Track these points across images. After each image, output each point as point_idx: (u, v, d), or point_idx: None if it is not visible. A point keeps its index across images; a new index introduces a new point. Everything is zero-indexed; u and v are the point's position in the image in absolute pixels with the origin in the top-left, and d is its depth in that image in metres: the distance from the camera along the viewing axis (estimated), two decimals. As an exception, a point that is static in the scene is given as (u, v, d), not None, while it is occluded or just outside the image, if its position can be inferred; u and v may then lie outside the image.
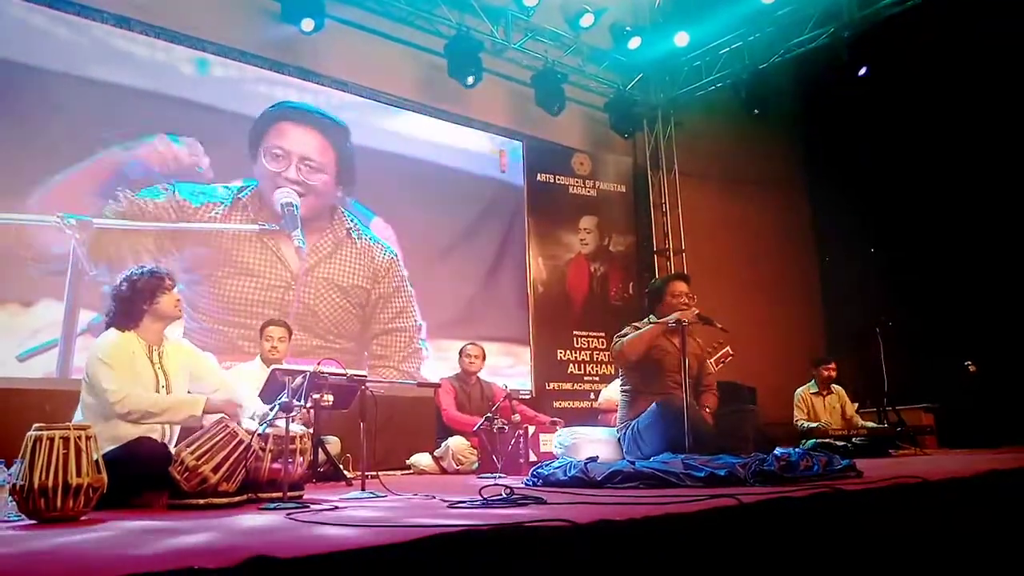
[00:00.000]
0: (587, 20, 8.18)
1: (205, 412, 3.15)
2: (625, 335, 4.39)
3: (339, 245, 6.79)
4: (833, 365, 7.00)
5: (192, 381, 3.42)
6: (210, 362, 3.55)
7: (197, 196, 6.11)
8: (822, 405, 6.92)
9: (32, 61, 5.52)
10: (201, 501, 2.78)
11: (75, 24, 5.73)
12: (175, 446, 3.11)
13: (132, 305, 3.29)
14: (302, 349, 6.22)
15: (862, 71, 7.72)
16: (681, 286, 4.47)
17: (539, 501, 2.43)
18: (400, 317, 7.11)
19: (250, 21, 6.64)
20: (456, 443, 5.65)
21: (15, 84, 5.42)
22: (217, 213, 6.21)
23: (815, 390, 6.97)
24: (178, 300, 3.39)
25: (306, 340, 6.36)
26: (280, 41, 6.68)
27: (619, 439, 4.46)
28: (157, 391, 3.24)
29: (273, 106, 6.66)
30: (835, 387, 7.03)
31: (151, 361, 3.28)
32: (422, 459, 5.86)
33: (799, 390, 7.00)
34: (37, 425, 2.48)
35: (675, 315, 4.20)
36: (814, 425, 6.68)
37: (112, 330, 3.28)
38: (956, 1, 7.20)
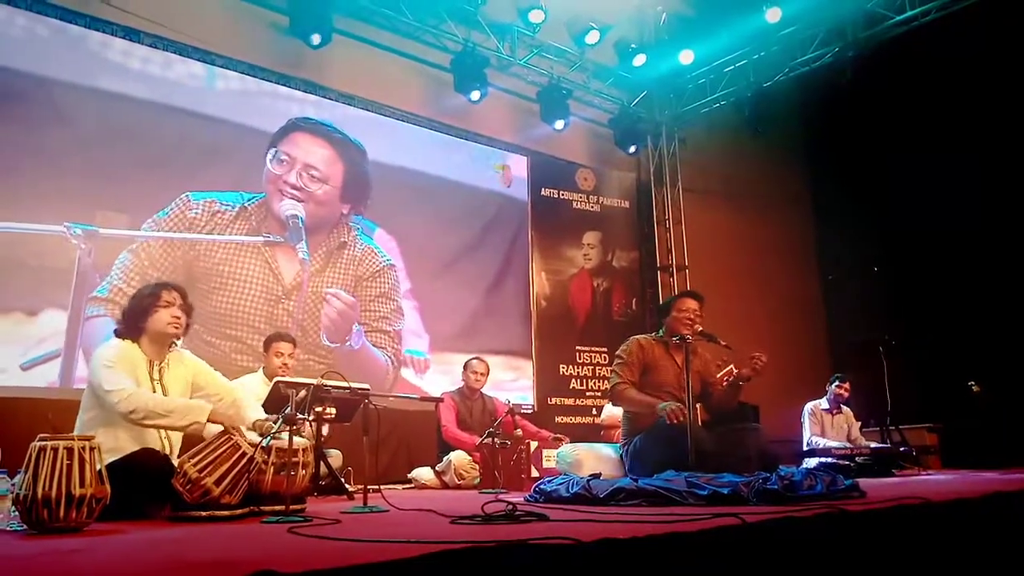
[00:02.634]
0: (592, 37, 8.24)
1: (210, 421, 3.14)
2: (622, 361, 4.37)
3: (329, 257, 6.78)
4: (848, 385, 6.97)
5: (194, 391, 3.42)
6: (211, 371, 3.54)
7: (206, 202, 6.16)
8: (831, 423, 6.90)
9: (41, 71, 5.56)
10: (203, 513, 2.78)
11: (84, 35, 5.78)
12: (177, 458, 3.11)
13: (132, 321, 3.32)
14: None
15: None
16: (690, 303, 4.47)
17: (542, 518, 2.42)
18: (385, 321, 7.09)
19: (258, 34, 6.69)
20: (458, 458, 5.64)
21: (23, 94, 5.46)
22: (223, 220, 6.23)
23: (826, 407, 6.94)
24: (175, 318, 3.31)
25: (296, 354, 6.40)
26: (288, 54, 6.73)
27: (622, 456, 4.45)
28: None
29: (294, 119, 6.75)
30: (844, 407, 7.01)
31: (151, 376, 3.28)
32: (424, 473, 5.84)
33: (810, 404, 6.96)
34: (41, 435, 2.48)
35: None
36: (834, 445, 6.61)
37: (114, 339, 3.30)
38: (960, 20, 7.23)
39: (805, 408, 6.95)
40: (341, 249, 6.87)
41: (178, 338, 3.40)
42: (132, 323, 3.31)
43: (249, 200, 6.39)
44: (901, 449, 6.76)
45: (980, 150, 8.34)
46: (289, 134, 6.69)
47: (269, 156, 6.56)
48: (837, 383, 6.96)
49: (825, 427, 6.86)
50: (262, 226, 6.42)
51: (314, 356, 6.54)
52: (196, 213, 6.11)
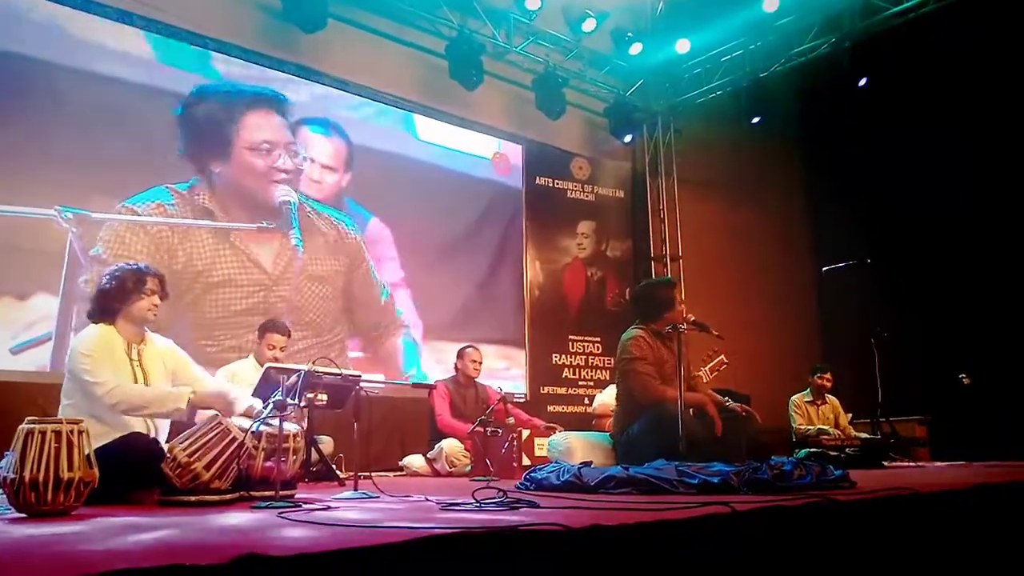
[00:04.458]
0: (589, 25, 8.19)
1: (193, 406, 3.13)
2: (640, 358, 4.25)
3: (310, 234, 6.68)
4: (829, 375, 7.00)
5: (173, 380, 3.41)
6: (189, 361, 3.52)
7: (155, 204, 5.92)
8: (816, 414, 6.93)
9: (34, 54, 5.50)
10: (193, 498, 2.77)
11: (78, 18, 5.72)
12: (166, 442, 3.10)
13: (108, 301, 3.28)
14: (293, 349, 6.20)
15: (862, 82, 7.76)
16: (679, 293, 4.48)
17: (532, 505, 2.42)
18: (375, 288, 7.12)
19: (252, 18, 6.63)
20: (450, 446, 5.64)
21: (17, 76, 5.41)
22: (167, 211, 5.96)
23: (810, 398, 6.98)
24: (154, 306, 3.31)
25: (295, 340, 6.37)
26: (282, 39, 6.68)
27: (613, 444, 4.46)
28: None
29: (198, 94, 6.21)
30: (830, 397, 7.04)
31: (130, 358, 3.26)
32: (415, 461, 5.85)
33: (794, 397, 7.01)
34: (29, 418, 2.47)
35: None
36: (824, 430, 6.64)
37: (91, 325, 3.28)
38: (957, 11, 7.21)
39: (790, 402, 6.98)
40: (312, 223, 6.74)
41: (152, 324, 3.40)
42: (108, 305, 3.28)
43: (190, 190, 6.08)
44: (891, 441, 6.80)
45: (976, 141, 8.34)
46: (242, 119, 6.41)
47: (236, 147, 6.34)
48: (819, 374, 6.98)
49: (812, 419, 6.90)
50: (220, 212, 6.20)
51: (317, 338, 6.50)
52: (156, 216, 5.88)
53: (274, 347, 5.00)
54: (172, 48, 6.17)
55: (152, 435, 3.23)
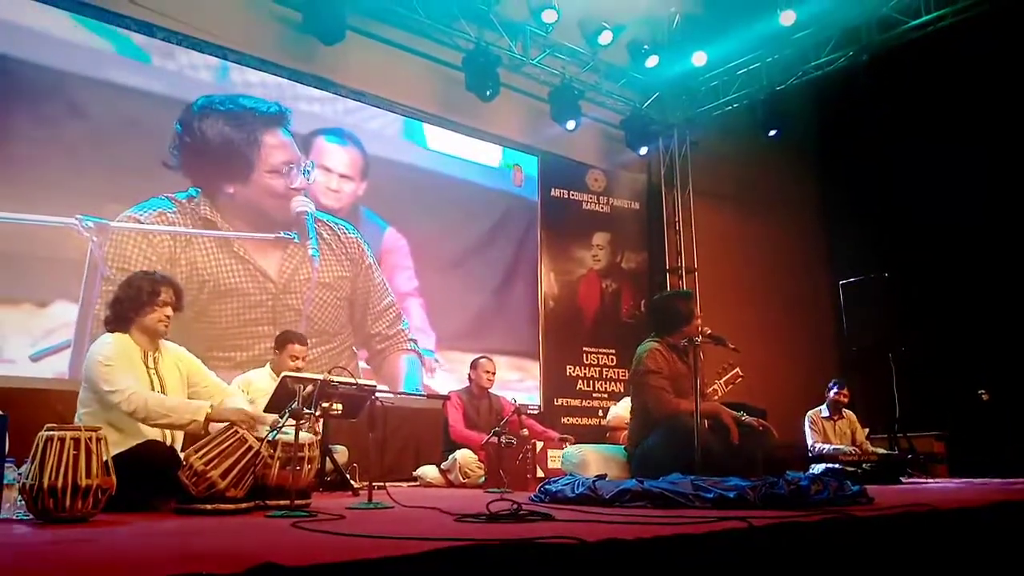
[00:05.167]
0: (605, 37, 8.21)
1: (210, 420, 3.11)
2: (658, 373, 4.20)
3: (319, 242, 6.68)
4: (846, 391, 6.92)
5: (188, 387, 3.43)
6: (205, 369, 3.54)
7: (143, 208, 5.86)
8: (833, 430, 6.85)
9: (54, 64, 5.57)
10: (209, 506, 2.79)
11: (98, 29, 5.79)
12: (182, 450, 3.12)
13: (123, 310, 3.30)
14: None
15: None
16: (696, 306, 4.46)
17: (547, 517, 2.41)
18: (393, 311, 7.09)
19: (271, 30, 6.70)
20: (463, 456, 5.63)
21: (37, 86, 5.48)
22: (169, 219, 5.93)
23: (826, 414, 6.91)
24: (166, 318, 3.33)
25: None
26: (301, 50, 6.73)
27: (628, 457, 4.44)
28: None
29: (199, 112, 6.11)
30: (847, 412, 6.96)
31: (147, 366, 3.29)
32: (429, 471, 5.84)
33: (810, 412, 6.93)
34: (48, 425, 2.49)
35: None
36: (840, 449, 6.58)
37: (107, 334, 3.30)
38: (975, 25, 7.18)
39: (806, 417, 6.91)
40: (324, 232, 6.73)
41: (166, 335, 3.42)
42: (124, 313, 3.30)
43: (190, 200, 6.04)
44: (908, 456, 6.72)
45: (991, 153, 8.28)
46: (262, 137, 6.40)
47: (259, 171, 6.34)
48: (836, 389, 6.90)
49: (828, 434, 6.80)
50: (231, 226, 6.19)
51: (325, 346, 6.51)
52: (163, 224, 5.88)
53: (296, 357, 4.97)
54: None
55: (169, 443, 3.25)
